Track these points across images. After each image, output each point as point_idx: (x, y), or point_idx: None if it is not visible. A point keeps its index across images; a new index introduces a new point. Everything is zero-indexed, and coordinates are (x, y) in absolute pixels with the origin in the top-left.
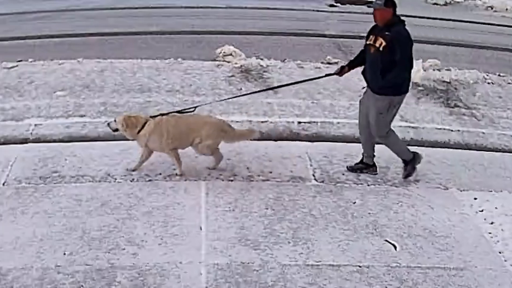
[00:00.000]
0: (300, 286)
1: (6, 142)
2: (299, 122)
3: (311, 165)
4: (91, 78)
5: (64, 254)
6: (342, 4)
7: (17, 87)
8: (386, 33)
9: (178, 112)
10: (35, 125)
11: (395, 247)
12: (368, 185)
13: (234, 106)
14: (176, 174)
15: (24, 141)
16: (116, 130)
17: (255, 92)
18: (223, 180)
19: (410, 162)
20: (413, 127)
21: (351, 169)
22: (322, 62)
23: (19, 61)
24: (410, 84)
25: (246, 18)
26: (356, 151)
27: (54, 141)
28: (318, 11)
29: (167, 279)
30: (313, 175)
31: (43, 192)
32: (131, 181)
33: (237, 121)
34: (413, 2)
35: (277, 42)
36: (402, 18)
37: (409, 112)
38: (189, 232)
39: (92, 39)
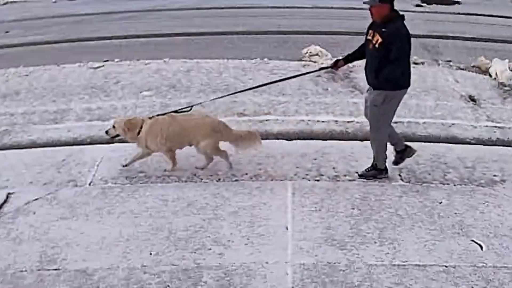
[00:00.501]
0: (386, 286)
1: (92, 142)
2: None
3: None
4: (177, 78)
5: (150, 254)
6: (428, 4)
7: (103, 87)
8: (383, 29)
9: (175, 112)
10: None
11: (481, 247)
12: (454, 185)
13: (321, 106)
14: (165, 170)
15: (111, 141)
16: (116, 136)
17: (242, 91)
18: (309, 180)
19: (377, 170)
20: (499, 127)
21: (395, 163)
22: None
23: (105, 61)
24: (411, 80)
25: (332, 18)
26: (442, 151)
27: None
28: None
29: (253, 279)
30: (399, 175)
31: (129, 192)
32: (217, 181)
33: (323, 121)
34: (501, 3)
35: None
36: (402, 13)
37: (495, 112)
38: (275, 232)
39: (178, 39)
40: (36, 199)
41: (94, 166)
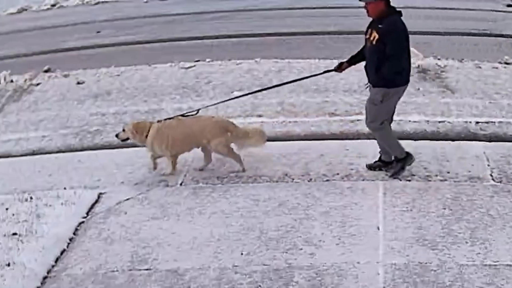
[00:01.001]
0: (477, 286)
1: None
2: (477, 122)
3: (488, 165)
4: (268, 78)
5: (242, 254)
6: None
7: (195, 87)
8: (379, 26)
9: (182, 115)
10: None
11: None
12: None
13: (412, 106)
14: (164, 174)
15: None
16: (126, 139)
17: (246, 94)
18: (400, 180)
19: (401, 161)
20: None
21: (369, 167)
22: (499, 62)
23: (197, 61)
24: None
25: (422, 18)
26: None
27: None
28: (495, 11)
29: (344, 279)
30: (491, 175)
31: (220, 192)
32: (308, 181)
33: (414, 121)
34: None
35: (454, 42)
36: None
37: None
38: (366, 232)
39: (270, 39)
40: (128, 199)
41: (185, 166)
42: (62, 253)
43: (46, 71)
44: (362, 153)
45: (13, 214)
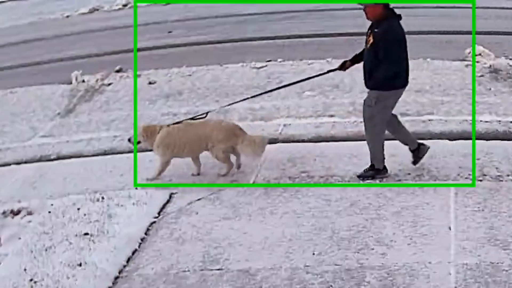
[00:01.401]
0: None
1: None
2: None
3: None
4: (340, 78)
5: (313, 254)
6: None
7: (266, 87)
8: (375, 29)
9: (191, 119)
10: (284, 125)
11: None
12: None
13: (484, 106)
14: (147, 178)
15: (274, 141)
16: (138, 142)
17: (247, 98)
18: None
19: (375, 170)
20: None
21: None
22: None
23: (268, 61)
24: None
25: (493, 18)
26: None
27: (303, 141)
28: None
29: (416, 279)
30: None
31: (292, 192)
32: (380, 181)
33: (486, 121)
34: None
35: None
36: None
37: None
38: (438, 232)
39: (341, 39)
40: (199, 199)
41: (257, 166)
42: (133, 253)
43: (117, 71)
44: (433, 154)
45: (85, 214)
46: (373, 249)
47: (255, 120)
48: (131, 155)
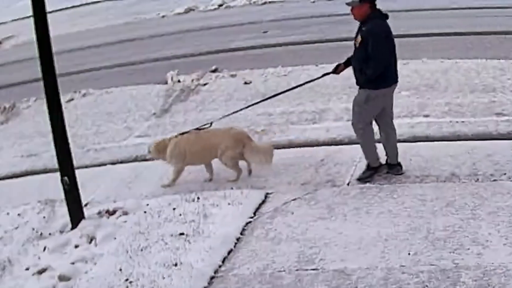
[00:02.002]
0: None
1: (350, 142)
2: None
3: None
4: (435, 78)
5: (409, 254)
6: None
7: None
8: (362, 29)
9: (197, 129)
10: None
11: None
12: None
13: None
14: (161, 185)
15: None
16: (157, 158)
17: (254, 104)
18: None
19: (372, 169)
20: None
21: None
22: None
23: None
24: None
25: None
26: None
27: (399, 141)
28: None
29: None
30: None
31: (387, 192)
32: (475, 181)
33: None
34: None
35: None
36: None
37: None
38: None
39: (436, 39)
40: (294, 199)
41: (352, 166)
42: (229, 253)
43: (213, 71)
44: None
45: (180, 214)
46: (468, 249)
47: (349, 120)
48: None
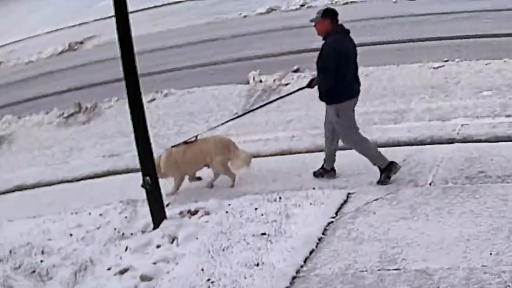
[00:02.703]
0: None
1: (432, 142)
2: None
3: None
4: None
5: (491, 254)
6: None
7: (443, 87)
8: (323, 44)
9: (184, 142)
10: (462, 125)
11: None
12: None
13: None
14: (168, 193)
15: (451, 141)
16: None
17: (232, 119)
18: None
19: (385, 170)
20: None
21: (314, 174)
22: None
23: (445, 61)
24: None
25: None
26: None
27: (480, 141)
28: None
29: None
30: None
31: (469, 192)
32: None
33: None
34: None
35: None
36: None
37: None
38: None
39: None
40: (376, 199)
41: (434, 166)
42: (311, 253)
43: (295, 71)
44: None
45: (262, 214)
46: None
47: (432, 120)
48: (308, 155)
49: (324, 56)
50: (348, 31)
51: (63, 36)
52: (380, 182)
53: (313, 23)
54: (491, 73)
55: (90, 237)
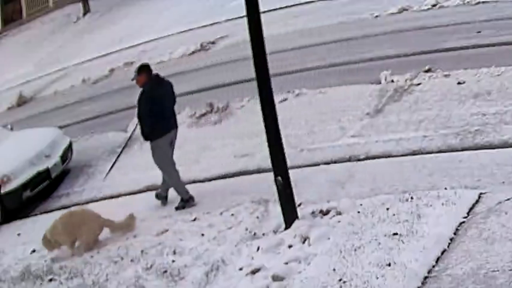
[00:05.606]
0: None
1: None
2: None
3: None
4: None
5: None
6: None
7: None
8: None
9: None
10: None
11: None
12: None
13: None
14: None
15: None
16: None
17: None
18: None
19: (184, 202)
20: None
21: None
22: None
23: None
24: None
25: None
26: None
27: None
28: None
29: None
30: None
31: None
32: None
33: None
34: None
35: None
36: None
37: None
38: None
39: None
40: (508, 199)
41: None
42: (442, 253)
43: (426, 71)
44: None
45: (394, 214)
46: None
47: None
48: (440, 155)
49: (139, 104)
50: (163, 79)
51: (194, 36)
52: (177, 208)
53: (134, 81)
54: None
55: (222, 237)
